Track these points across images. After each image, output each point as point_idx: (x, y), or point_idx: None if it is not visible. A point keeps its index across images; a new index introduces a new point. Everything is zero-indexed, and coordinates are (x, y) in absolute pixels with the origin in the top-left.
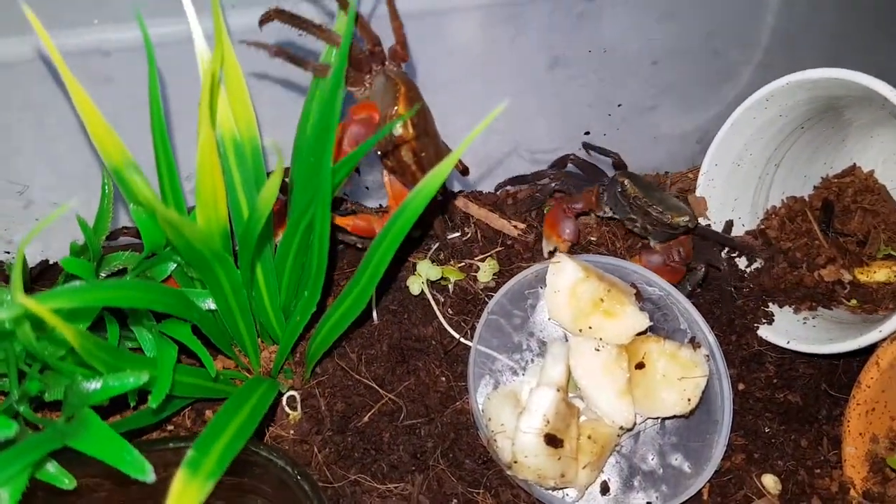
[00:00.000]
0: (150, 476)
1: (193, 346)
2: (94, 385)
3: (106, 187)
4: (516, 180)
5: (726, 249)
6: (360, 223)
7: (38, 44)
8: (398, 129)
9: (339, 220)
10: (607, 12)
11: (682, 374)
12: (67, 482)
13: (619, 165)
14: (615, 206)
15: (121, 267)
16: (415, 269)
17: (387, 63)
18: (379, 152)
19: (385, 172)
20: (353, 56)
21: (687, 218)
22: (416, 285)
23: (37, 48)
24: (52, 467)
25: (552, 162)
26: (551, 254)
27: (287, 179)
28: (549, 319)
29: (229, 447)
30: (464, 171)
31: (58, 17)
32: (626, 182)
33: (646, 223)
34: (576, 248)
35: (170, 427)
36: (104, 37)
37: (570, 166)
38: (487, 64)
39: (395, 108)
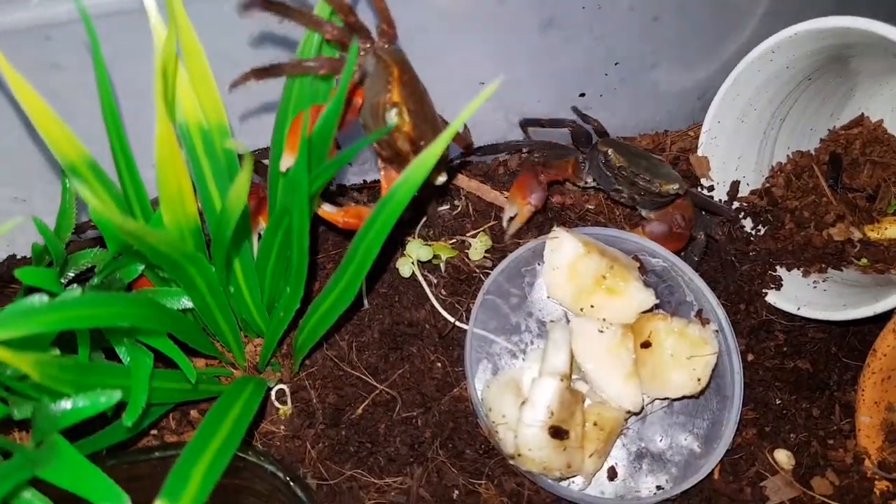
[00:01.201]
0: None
1: (171, 353)
2: (63, 406)
3: (66, 183)
4: (488, 149)
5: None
6: (350, 220)
7: None
8: (393, 118)
9: (327, 215)
10: None
11: (692, 353)
12: None
13: (601, 133)
14: (599, 177)
15: (90, 265)
16: (404, 250)
17: (376, 41)
18: (366, 133)
19: (379, 161)
20: (335, 37)
21: (676, 185)
22: (406, 267)
23: None
24: (28, 493)
25: (527, 119)
26: (511, 219)
27: (266, 161)
28: (547, 298)
29: (213, 466)
30: (467, 148)
31: None
32: (609, 151)
33: (633, 193)
34: (573, 219)
35: (153, 431)
36: (45, 14)
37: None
38: (475, 28)
39: (388, 94)
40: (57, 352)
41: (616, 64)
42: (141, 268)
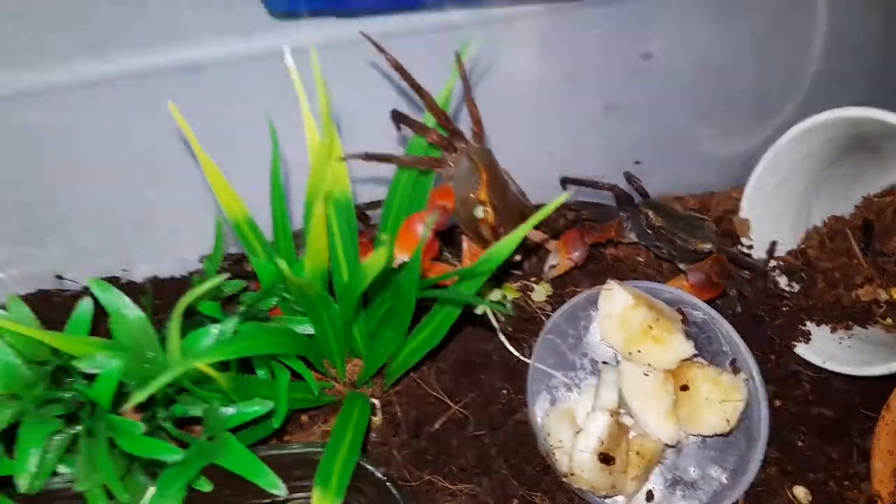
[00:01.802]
0: (283, 491)
1: (301, 371)
2: (230, 411)
3: (220, 226)
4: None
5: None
6: (436, 273)
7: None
8: (480, 213)
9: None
10: (661, 67)
11: (724, 398)
12: (207, 487)
13: (643, 193)
14: (640, 234)
15: (229, 294)
16: None
17: (470, 143)
18: (461, 225)
19: (463, 237)
20: (436, 141)
21: (710, 245)
22: (479, 307)
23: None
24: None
25: (575, 178)
26: (552, 267)
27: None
28: (600, 341)
29: (347, 463)
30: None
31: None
32: (649, 213)
33: (671, 249)
34: (625, 271)
35: None
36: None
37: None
38: (548, 108)
39: (478, 193)
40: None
41: (669, 139)
42: (275, 300)
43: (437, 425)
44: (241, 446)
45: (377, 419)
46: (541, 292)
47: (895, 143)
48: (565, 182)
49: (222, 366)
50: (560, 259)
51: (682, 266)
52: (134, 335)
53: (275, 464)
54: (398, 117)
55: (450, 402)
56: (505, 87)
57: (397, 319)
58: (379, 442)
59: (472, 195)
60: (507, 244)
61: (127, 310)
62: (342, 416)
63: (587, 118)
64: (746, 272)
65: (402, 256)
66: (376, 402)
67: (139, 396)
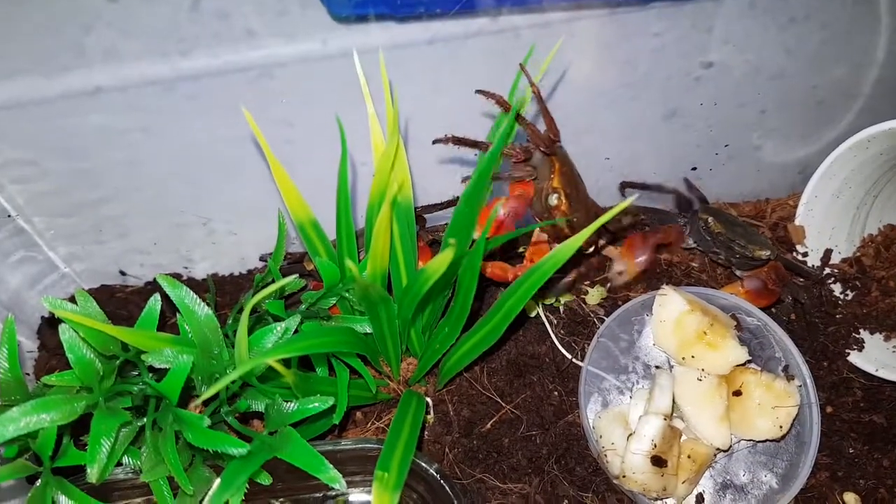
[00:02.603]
0: (343, 485)
1: (360, 369)
2: (292, 406)
3: (282, 225)
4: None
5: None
6: (496, 271)
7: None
8: (553, 201)
9: (494, 273)
10: (722, 74)
11: (776, 404)
12: (267, 480)
13: (703, 200)
14: (699, 240)
15: (290, 292)
16: None
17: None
18: (536, 218)
19: (535, 232)
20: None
21: (767, 252)
22: (533, 311)
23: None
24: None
25: (636, 182)
26: (620, 274)
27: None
28: (653, 345)
29: (404, 458)
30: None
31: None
32: (709, 219)
33: (729, 256)
34: (679, 275)
35: None
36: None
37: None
38: (611, 114)
39: (551, 181)
40: (297, 371)
41: (726, 146)
42: (335, 299)
43: (488, 425)
44: (303, 441)
45: (430, 417)
46: (595, 296)
47: None
48: (625, 186)
49: (284, 362)
50: (627, 264)
51: (737, 272)
52: (202, 331)
53: (330, 459)
54: (457, 141)
55: (501, 402)
56: (564, 91)
57: (454, 315)
58: (431, 440)
59: (546, 185)
60: (574, 242)
61: (196, 306)
62: (399, 413)
63: (645, 124)
64: (802, 279)
65: (476, 232)
66: (429, 400)
67: (209, 391)
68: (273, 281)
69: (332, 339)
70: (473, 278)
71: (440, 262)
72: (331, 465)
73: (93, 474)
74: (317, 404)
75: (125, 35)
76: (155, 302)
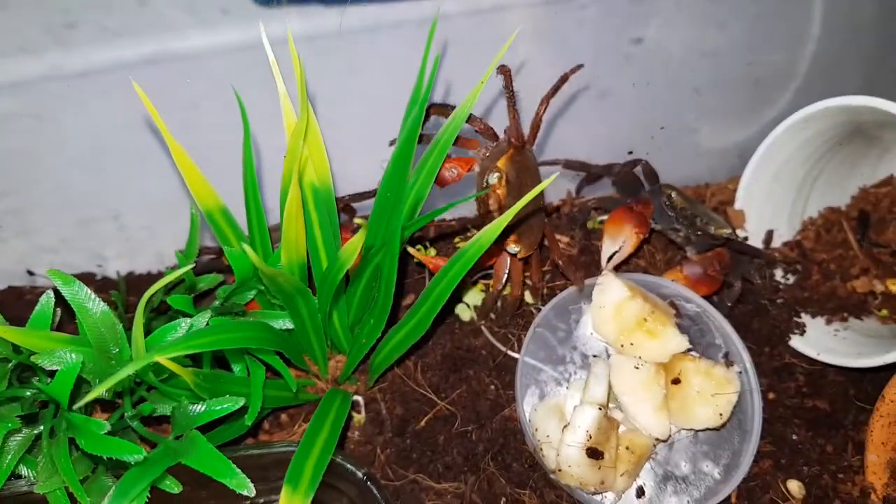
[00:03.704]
0: (251, 491)
1: (279, 367)
2: (199, 408)
3: (195, 218)
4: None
5: (758, 262)
6: (440, 263)
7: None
8: (493, 179)
9: (421, 258)
10: (652, 52)
11: (716, 391)
12: (176, 488)
13: (650, 174)
14: (660, 217)
15: (206, 288)
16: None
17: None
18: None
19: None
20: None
21: (729, 230)
22: (465, 314)
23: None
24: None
25: (587, 174)
26: (612, 256)
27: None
28: (591, 334)
29: (320, 461)
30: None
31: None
32: (672, 194)
33: (689, 233)
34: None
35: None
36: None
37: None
38: (534, 94)
39: (497, 162)
40: (196, 369)
41: (662, 128)
42: (252, 294)
43: (422, 423)
44: (209, 445)
45: (360, 417)
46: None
47: (893, 131)
48: (567, 167)
49: (196, 363)
50: (626, 237)
51: (689, 253)
52: (98, 330)
53: (252, 464)
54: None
55: (436, 399)
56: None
57: (378, 306)
58: (362, 441)
59: (491, 165)
60: (497, 224)
61: (91, 303)
62: (319, 413)
63: (576, 106)
64: (755, 260)
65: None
66: (360, 399)
67: (97, 391)
68: (182, 280)
69: (242, 334)
70: (393, 264)
71: (353, 246)
72: (238, 470)
73: None
74: (228, 405)
75: (28, 22)
76: (48, 300)
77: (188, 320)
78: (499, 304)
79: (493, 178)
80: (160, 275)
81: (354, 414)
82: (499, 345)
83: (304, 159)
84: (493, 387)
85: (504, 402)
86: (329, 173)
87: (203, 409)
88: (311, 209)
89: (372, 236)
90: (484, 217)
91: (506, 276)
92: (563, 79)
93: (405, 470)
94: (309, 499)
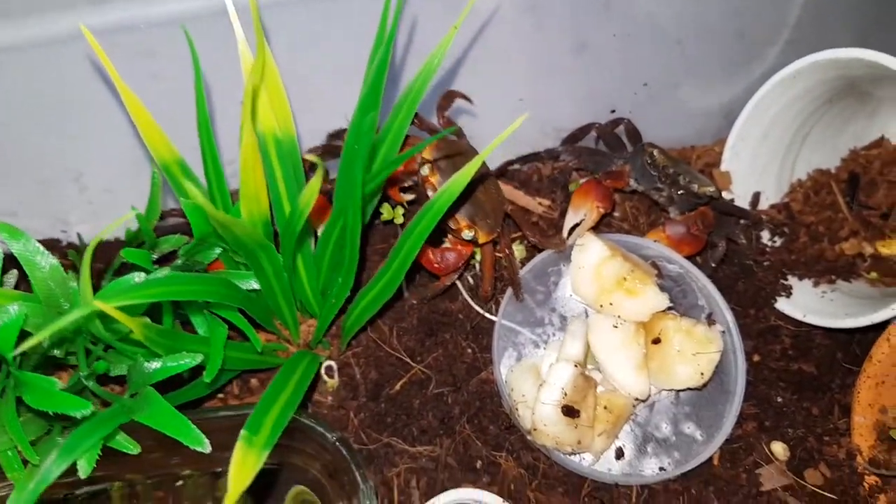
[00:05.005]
0: (206, 447)
1: (242, 326)
2: (155, 365)
3: (155, 177)
4: (529, 158)
5: (744, 223)
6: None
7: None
8: (424, 170)
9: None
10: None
11: (697, 350)
12: (132, 448)
13: (632, 132)
14: (641, 177)
15: (171, 249)
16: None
17: None
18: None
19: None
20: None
21: (712, 188)
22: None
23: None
24: (120, 437)
25: (569, 135)
26: (573, 228)
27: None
28: (570, 296)
29: (279, 420)
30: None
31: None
32: (654, 152)
33: (672, 193)
34: (601, 225)
35: (220, 395)
36: (151, 37)
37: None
38: (515, 50)
39: (423, 154)
40: (147, 320)
41: (644, 84)
42: (217, 252)
43: (397, 386)
44: (163, 401)
45: (334, 382)
46: (516, 255)
47: (885, 87)
48: (566, 142)
49: (153, 318)
50: (587, 210)
51: (672, 213)
52: (46, 285)
53: (217, 427)
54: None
55: (411, 363)
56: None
57: (345, 262)
58: (335, 405)
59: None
60: (465, 172)
61: (39, 257)
62: (284, 370)
63: (555, 60)
64: (741, 220)
65: None
66: (333, 364)
67: (38, 338)
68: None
69: (197, 287)
70: (357, 218)
71: (311, 189)
72: (193, 427)
73: None
74: (186, 361)
75: None
76: None
77: (142, 274)
78: (477, 266)
79: (425, 170)
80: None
81: (328, 378)
82: (477, 307)
83: (264, 107)
84: (469, 350)
85: (481, 364)
86: (292, 123)
87: (159, 365)
88: (274, 161)
89: (340, 194)
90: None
91: (461, 267)
92: (450, 96)
93: (379, 434)
94: (264, 454)
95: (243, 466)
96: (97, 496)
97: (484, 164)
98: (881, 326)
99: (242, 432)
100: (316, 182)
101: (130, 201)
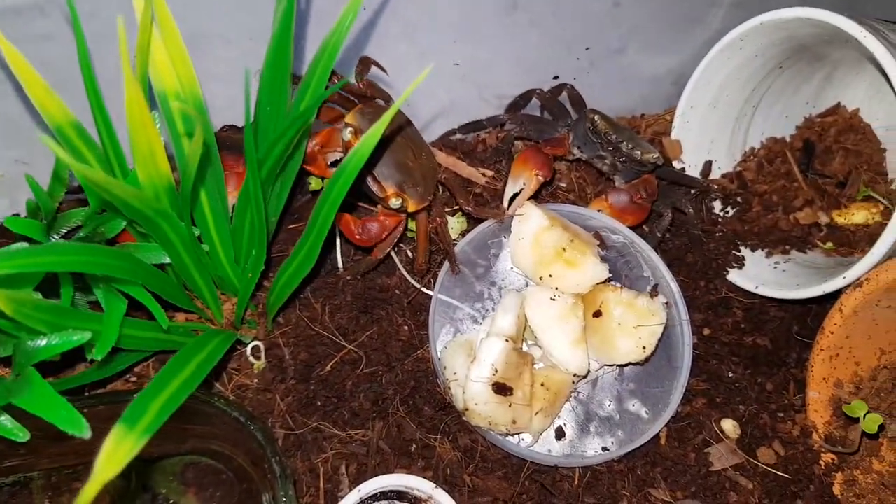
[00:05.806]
0: (86, 433)
1: (144, 301)
2: (39, 343)
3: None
4: (470, 126)
5: (693, 192)
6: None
7: None
8: (346, 135)
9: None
10: None
11: (638, 323)
12: (21, 435)
13: (575, 99)
14: (584, 145)
15: (79, 223)
16: None
17: None
18: None
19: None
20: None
21: (656, 155)
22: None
23: None
24: (7, 422)
25: (511, 102)
26: (514, 196)
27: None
28: (511, 269)
29: (171, 401)
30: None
31: None
32: (595, 117)
33: (616, 160)
34: (545, 195)
35: (133, 378)
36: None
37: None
38: (442, 8)
39: (346, 119)
40: (39, 296)
41: (587, 49)
42: (123, 224)
43: (328, 367)
44: (44, 384)
45: (260, 363)
46: (455, 228)
47: (838, 48)
48: (510, 110)
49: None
50: (526, 179)
51: (617, 182)
52: None
53: (112, 413)
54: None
55: (343, 342)
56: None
57: (256, 228)
58: (261, 388)
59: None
60: (377, 128)
61: None
62: (185, 351)
63: (486, 20)
64: (691, 191)
65: None
66: (260, 344)
67: None
68: (58, 217)
69: (86, 258)
70: (257, 178)
71: (197, 141)
72: (76, 412)
73: None
74: (75, 338)
75: None
76: None
77: (25, 244)
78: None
79: (347, 134)
80: None
81: (254, 360)
82: (413, 282)
83: (164, 64)
84: (406, 327)
85: (417, 342)
86: (196, 82)
87: (43, 343)
88: (177, 120)
89: (251, 157)
90: None
91: (389, 238)
92: (366, 61)
93: (307, 418)
94: (143, 440)
95: (115, 453)
96: (20, 487)
97: (415, 128)
98: (836, 297)
99: (124, 414)
100: (200, 137)
101: (48, 172)
